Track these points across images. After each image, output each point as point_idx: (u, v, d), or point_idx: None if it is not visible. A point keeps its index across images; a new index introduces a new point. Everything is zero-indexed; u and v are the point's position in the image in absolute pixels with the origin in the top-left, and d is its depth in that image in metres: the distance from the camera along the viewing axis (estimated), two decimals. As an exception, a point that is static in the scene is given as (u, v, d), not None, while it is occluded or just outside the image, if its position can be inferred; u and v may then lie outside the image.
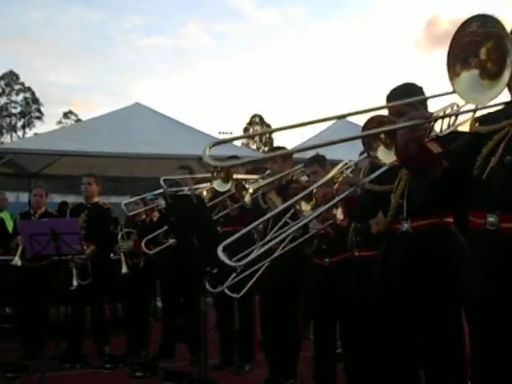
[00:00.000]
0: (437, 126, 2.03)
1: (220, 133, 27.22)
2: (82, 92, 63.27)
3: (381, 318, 2.17)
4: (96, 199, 4.61)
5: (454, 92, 1.42)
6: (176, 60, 64.30)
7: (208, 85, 65.43)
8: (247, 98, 67.98)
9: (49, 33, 56.47)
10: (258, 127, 45.24)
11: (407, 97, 1.93)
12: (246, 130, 44.96)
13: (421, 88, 2.14)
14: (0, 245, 4.66)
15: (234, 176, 3.57)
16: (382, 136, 1.81)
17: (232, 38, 63.57)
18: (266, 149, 38.69)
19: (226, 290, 3.30)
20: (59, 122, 39.77)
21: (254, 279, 3.26)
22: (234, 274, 3.19)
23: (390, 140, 1.79)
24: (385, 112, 1.89)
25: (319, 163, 3.30)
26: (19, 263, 4.28)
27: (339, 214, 2.75)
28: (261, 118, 45.15)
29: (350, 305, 2.84)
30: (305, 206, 2.97)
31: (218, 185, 3.61)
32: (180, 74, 66.54)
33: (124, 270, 4.53)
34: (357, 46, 67.72)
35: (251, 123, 45.29)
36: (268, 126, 45.08)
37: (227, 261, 1.69)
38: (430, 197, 1.91)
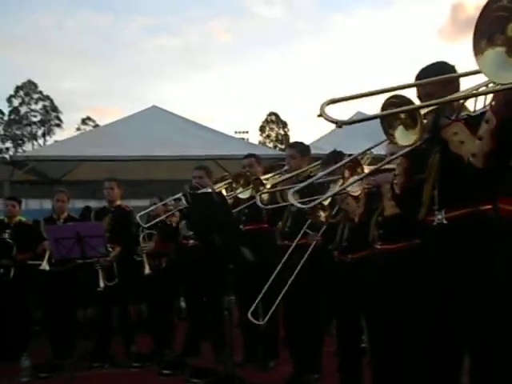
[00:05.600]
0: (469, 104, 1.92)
1: (236, 132, 27.30)
2: (97, 97, 64.14)
3: (416, 310, 2.13)
4: (119, 202, 4.70)
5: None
6: (187, 60, 64.56)
7: (222, 84, 65.56)
8: (262, 97, 67.80)
9: (59, 39, 57.21)
10: (274, 126, 45.18)
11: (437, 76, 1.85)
12: (262, 128, 44.97)
13: (453, 67, 2.00)
14: (29, 250, 4.78)
15: (253, 178, 3.59)
16: (403, 116, 1.74)
17: (243, 35, 63.50)
18: (283, 146, 38.58)
19: (250, 317, 3.33)
20: (78, 129, 40.47)
21: (278, 301, 3.28)
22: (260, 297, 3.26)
23: (410, 120, 1.73)
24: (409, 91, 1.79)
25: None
26: (47, 268, 4.40)
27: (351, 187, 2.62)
28: (277, 115, 45.08)
29: (374, 297, 2.83)
30: (322, 213, 3.00)
31: (240, 192, 3.65)
32: (193, 75, 66.82)
33: (147, 270, 4.61)
34: (376, 35, 66.02)
35: (267, 121, 45.27)
36: (284, 123, 44.97)
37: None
38: (464, 185, 1.84)
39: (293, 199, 2.10)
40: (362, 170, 2.55)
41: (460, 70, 1.99)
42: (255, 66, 65.04)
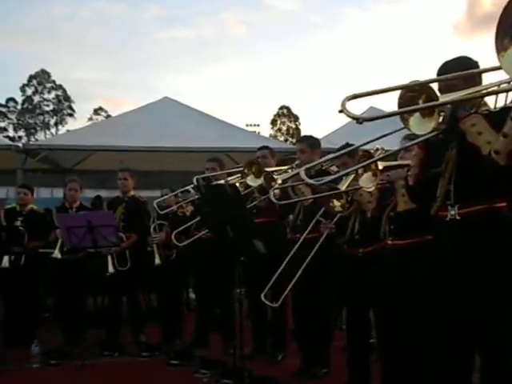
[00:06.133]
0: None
1: (247, 125, 27.22)
2: (110, 87, 64.41)
3: (427, 306, 2.11)
4: (132, 193, 4.74)
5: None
6: (200, 52, 64.32)
7: (233, 76, 65.32)
8: (274, 90, 67.41)
9: (73, 29, 57.37)
10: (285, 119, 45.00)
11: (460, 71, 1.84)
12: (273, 121, 44.83)
13: (476, 62, 1.99)
14: (40, 238, 4.83)
15: (266, 169, 3.58)
16: (420, 103, 1.69)
17: (255, 28, 63.03)
18: (294, 140, 38.46)
19: (263, 299, 3.33)
20: (90, 119, 40.71)
21: (291, 286, 3.28)
22: (272, 280, 3.25)
23: (427, 109, 1.70)
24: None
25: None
26: (59, 256, 4.44)
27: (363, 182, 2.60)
28: (288, 109, 44.88)
29: (383, 292, 2.81)
30: (336, 203, 2.97)
31: (250, 180, 3.65)
32: (205, 67, 66.65)
33: (157, 261, 4.64)
34: (390, 29, 65.02)
35: (278, 115, 45.09)
36: (296, 117, 44.77)
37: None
38: (481, 181, 1.82)
39: (304, 175, 2.11)
40: (376, 165, 2.53)
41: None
42: (267, 59, 64.64)
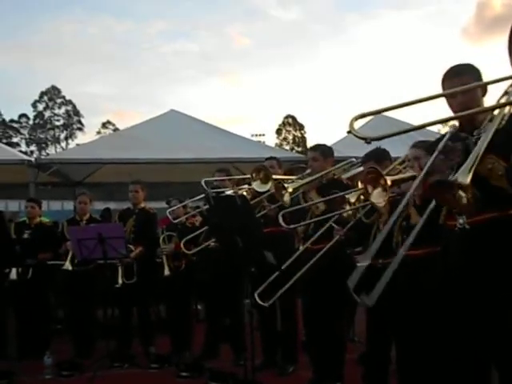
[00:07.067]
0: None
1: (252, 135, 27.35)
2: (117, 101, 65.33)
3: (440, 317, 2.08)
4: (143, 205, 4.78)
5: None
6: (204, 64, 64.97)
7: (238, 87, 65.73)
8: (279, 99, 67.64)
9: (81, 45, 58.54)
10: (290, 128, 45.14)
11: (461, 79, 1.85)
12: (278, 131, 44.96)
13: (477, 70, 2.00)
14: (48, 250, 4.88)
15: (273, 176, 3.59)
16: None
17: (259, 39, 63.64)
18: (300, 149, 38.48)
19: (257, 298, 3.31)
20: (98, 133, 41.18)
21: (283, 290, 3.24)
22: (267, 282, 3.23)
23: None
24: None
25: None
26: (70, 268, 4.49)
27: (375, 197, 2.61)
28: (294, 118, 45.01)
29: (399, 303, 2.78)
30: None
31: (257, 186, 3.65)
32: (210, 79, 67.18)
33: (166, 272, 4.66)
34: (395, 36, 65.06)
35: (284, 124, 45.23)
36: (301, 126, 44.88)
37: None
38: (489, 190, 1.80)
39: None
40: (385, 181, 2.52)
41: (485, 70, 1.98)
42: (272, 69, 65.04)
